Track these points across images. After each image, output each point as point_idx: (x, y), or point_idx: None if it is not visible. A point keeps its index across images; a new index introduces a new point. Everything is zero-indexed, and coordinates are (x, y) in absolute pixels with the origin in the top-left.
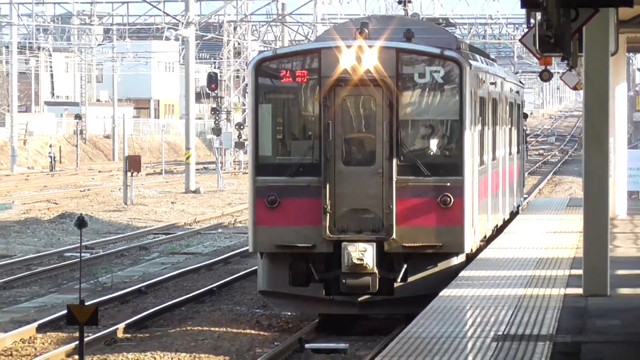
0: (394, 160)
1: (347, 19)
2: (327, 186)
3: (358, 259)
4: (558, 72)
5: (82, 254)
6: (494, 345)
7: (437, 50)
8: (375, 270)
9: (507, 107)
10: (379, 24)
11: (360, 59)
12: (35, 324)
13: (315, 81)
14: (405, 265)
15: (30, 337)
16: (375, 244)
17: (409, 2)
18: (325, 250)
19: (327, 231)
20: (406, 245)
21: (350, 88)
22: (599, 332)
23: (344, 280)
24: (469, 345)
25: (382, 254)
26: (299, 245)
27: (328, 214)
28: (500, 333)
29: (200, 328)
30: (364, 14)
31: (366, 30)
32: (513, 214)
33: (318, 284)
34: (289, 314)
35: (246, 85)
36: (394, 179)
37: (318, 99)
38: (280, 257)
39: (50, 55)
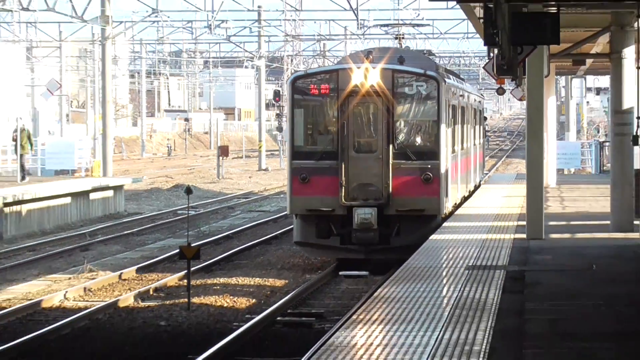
0: (390, 149)
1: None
2: (343, 167)
3: (365, 219)
4: (509, 89)
5: (189, 212)
6: (466, 273)
7: (421, 71)
8: (377, 227)
9: (472, 112)
10: (380, 53)
11: (366, 77)
12: (157, 259)
13: (334, 93)
14: (398, 224)
15: (153, 268)
16: (376, 208)
17: (403, 38)
18: (341, 213)
19: (343, 199)
20: (399, 210)
21: (359, 98)
22: (537, 264)
23: (354, 235)
24: (450, 272)
25: (381, 216)
26: (323, 209)
27: (343, 187)
28: (470, 264)
29: (268, 261)
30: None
31: (370, 57)
32: (477, 186)
33: (336, 237)
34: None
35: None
36: (390, 162)
37: (336, 106)
38: (309, 217)
39: (167, 78)
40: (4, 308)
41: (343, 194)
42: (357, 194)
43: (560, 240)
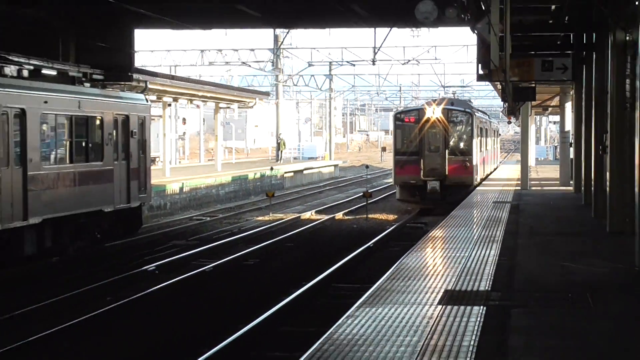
0: (446, 151)
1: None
2: (421, 160)
3: (433, 187)
4: (513, 120)
5: (367, 176)
6: (492, 204)
7: (462, 109)
8: (439, 191)
9: (492, 131)
10: (442, 100)
11: (434, 112)
12: (354, 197)
13: (417, 121)
14: (450, 190)
15: (352, 201)
16: (439, 182)
17: (454, 93)
18: (420, 184)
19: (422, 176)
20: (450, 182)
21: (430, 123)
22: (524, 201)
23: (427, 195)
24: (483, 205)
25: (442, 185)
26: (411, 182)
27: (421, 170)
28: (494, 201)
29: (395, 205)
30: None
31: (436, 101)
32: (496, 168)
33: (418, 196)
34: (409, 207)
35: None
36: (446, 157)
37: (418, 127)
38: (404, 186)
39: (358, 110)
40: (286, 219)
41: (421, 174)
42: (429, 174)
43: (535, 190)
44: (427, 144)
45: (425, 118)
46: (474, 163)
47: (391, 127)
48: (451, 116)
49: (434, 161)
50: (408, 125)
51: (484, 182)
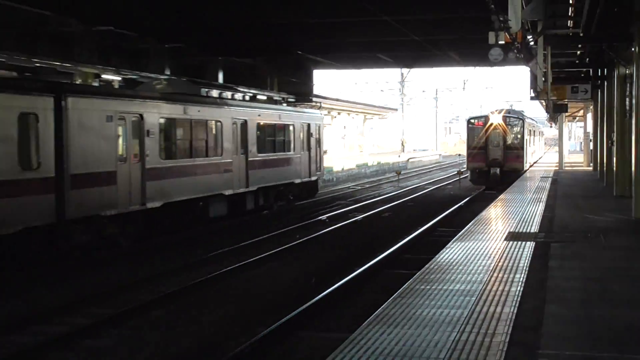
0: (504, 146)
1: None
2: (486, 152)
3: (495, 173)
4: (554, 125)
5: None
6: (540, 178)
7: (516, 116)
8: (500, 176)
9: (538, 132)
10: (501, 109)
11: (496, 118)
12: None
13: (484, 125)
14: (507, 175)
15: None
16: (499, 169)
17: (511, 106)
18: (486, 170)
19: (485, 165)
20: (507, 169)
21: (493, 127)
22: (560, 176)
23: (491, 179)
24: (533, 179)
25: (501, 171)
26: (479, 169)
27: (486, 160)
28: (540, 177)
29: (465, 184)
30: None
31: (497, 110)
32: (540, 157)
33: (484, 179)
34: (471, 192)
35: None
36: (504, 151)
37: (484, 130)
38: (474, 171)
39: None
40: (408, 189)
41: (486, 163)
42: (491, 163)
43: (567, 170)
44: (490, 141)
45: (489, 122)
46: (525, 154)
47: (465, 129)
48: (508, 121)
49: (496, 153)
50: (477, 128)
51: (533, 166)
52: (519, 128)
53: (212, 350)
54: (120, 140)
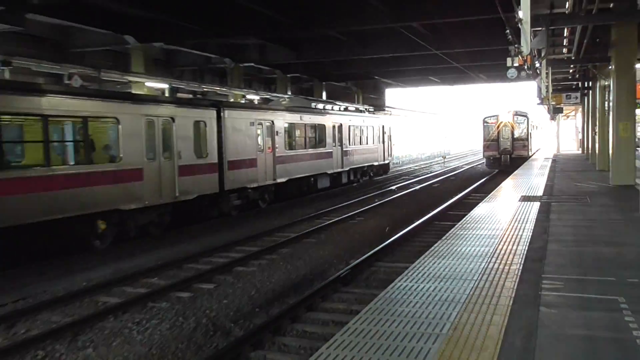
0: (513, 138)
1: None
2: (497, 143)
3: (505, 159)
4: (554, 121)
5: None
6: (544, 160)
7: (524, 114)
8: (509, 160)
9: (540, 127)
10: (510, 109)
11: (506, 117)
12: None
13: (496, 122)
14: (515, 160)
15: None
16: (509, 155)
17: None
18: (498, 156)
19: (498, 153)
20: (515, 155)
21: (504, 124)
22: (558, 159)
23: (502, 162)
24: (539, 161)
25: (510, 158)
26: (492, 157)
27: (498, 149)
28: (544, 158)
29: (482, 168)
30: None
31: (509, 110)
32: (540, 147)
33: (497, 164)
34: (493, 170)
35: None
36: (513, 142)
37: (497, 127)
38: (489, 158)
39: None
40: (451, 168)
41: (498, 151)
42: (502, 152)
43: (564, 154)
44: (501, 135)
45: (500, 120)
46: (529, 144)
47: (481, 126)
48: (516, 119)
49: (506, 144)
50: (491, 125)
51: (537, 153)
52: (524, 124)
53: (319, 275)
54: (259, 138)
